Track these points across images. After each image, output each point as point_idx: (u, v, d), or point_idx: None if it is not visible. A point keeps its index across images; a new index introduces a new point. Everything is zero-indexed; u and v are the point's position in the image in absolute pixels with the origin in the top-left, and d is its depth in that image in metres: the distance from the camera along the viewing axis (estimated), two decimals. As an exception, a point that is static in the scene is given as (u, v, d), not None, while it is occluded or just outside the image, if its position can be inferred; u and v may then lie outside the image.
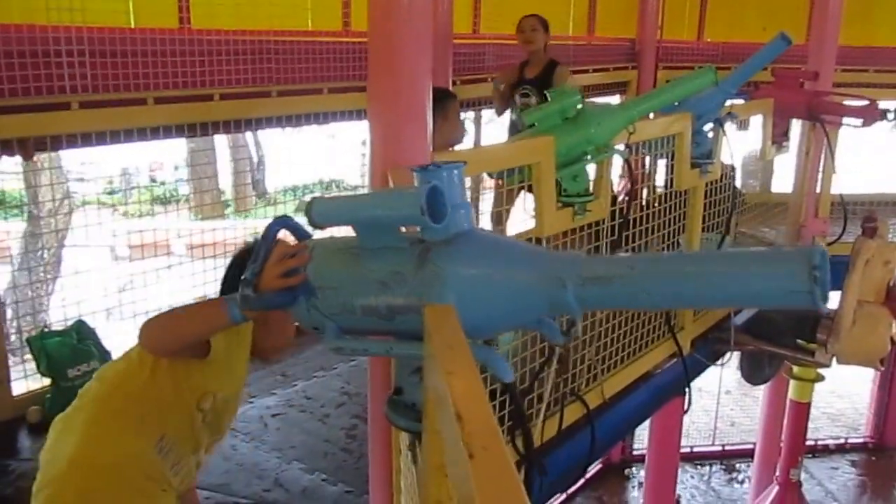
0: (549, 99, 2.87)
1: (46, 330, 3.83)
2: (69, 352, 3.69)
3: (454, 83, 5.29)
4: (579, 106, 2.87)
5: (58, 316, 4.08)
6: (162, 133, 4.09)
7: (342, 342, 1.66)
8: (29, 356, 3.80)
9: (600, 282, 1.30)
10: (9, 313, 4.02)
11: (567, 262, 1.34)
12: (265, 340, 2.27)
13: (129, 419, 2.01)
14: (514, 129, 5.28)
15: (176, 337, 1.94)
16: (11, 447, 3.51)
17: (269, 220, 1.79)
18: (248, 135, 10.21)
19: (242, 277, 1.71)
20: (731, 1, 7.44)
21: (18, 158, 3.76)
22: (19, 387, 3.82)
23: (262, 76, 4.48)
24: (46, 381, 3.75)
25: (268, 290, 1.68)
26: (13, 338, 4.17)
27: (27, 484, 3.06)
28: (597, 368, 3.35)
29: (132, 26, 4.10)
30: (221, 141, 10.58)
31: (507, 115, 5.52)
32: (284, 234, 1.82)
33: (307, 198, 1.74)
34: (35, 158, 3.92)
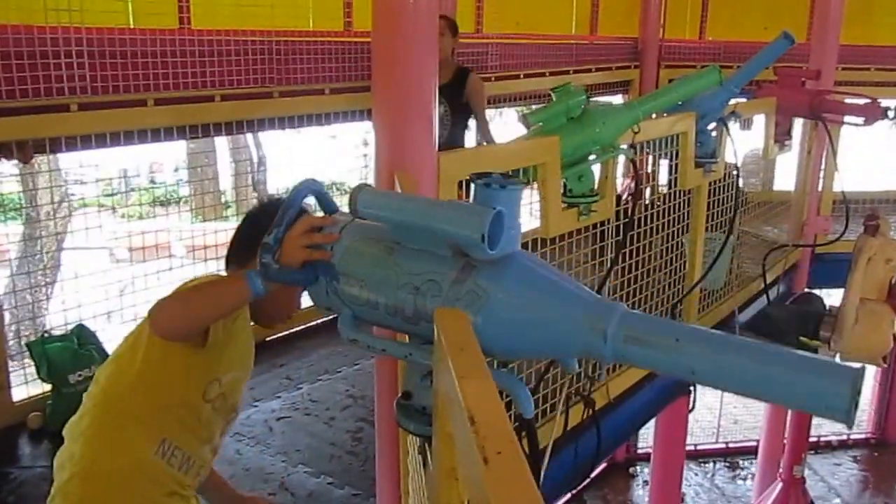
0: (554, 98, 2.85)
1: (47, 335, 3.79)
2: (70, 357, 3.66)
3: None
4: (584, 105, 2.85)
5: (58, 320, 4.06)
6: (162, 135, 4.07)
7: (359, 335, 1.60)
8: (29, 361, 3.77)
9: (642, 344, 1.28)
10: (8, 318, 3.97)
11: (611, 312, 1.32)
12: (269, 309, 2.14)
13: (127, 425, 1.95)
14: None
15: (197, 316, 1.82)
16: (12, 454, 3.47)
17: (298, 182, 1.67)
18: (249, 136, 10.18)
19: (263, 241, 1.60)
20: (732, 0, 7.44)
21: (17, 161, 3.73)
22: (19, 392, 3.79)
23: (262, 77, 4.46)
24: (47, 387, 3.71)
25: (289, 262, 1.59)
26: (12, 343, 4.14)
27: (29, 491, 3.06)
28: (602, 368, 3.33)
29: (131, 27, 4.07)
30: (222, 142, 10.57)
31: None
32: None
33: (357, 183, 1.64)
34: (33, 161, 3.89)
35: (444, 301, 1.42)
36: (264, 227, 1.64)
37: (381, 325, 1.60)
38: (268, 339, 4.65)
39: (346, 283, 1.57)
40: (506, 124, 10.16)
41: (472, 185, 1.43)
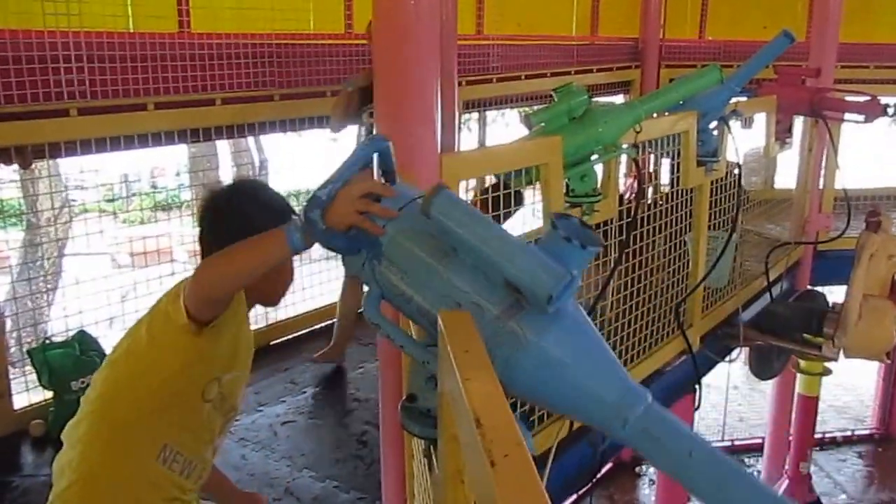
0: (556, 98, 2.85)
1: (48, 341, 3.77)
2: (72, 363, 3.65)
3: (459, 84, 5.25)
4: (586, 105, 2.84)
5: (59, 327, 4.04)
6: (163, 139, 4.07)
7: (382, 322, 1.52)
8: (30, 368, 3.75)
9: (656, 443, 1.28)
10: (9, 324, 3.95)
11: (637, 401, 1.31)
12: (269, 285, 2.02)
13: (126, 432, 1.90)
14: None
15: (237, 272, 1.68)
16: (14, 462, 3.45)
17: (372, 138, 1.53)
18: (251, 139, 10.18)
19: (313, 195, 1.46)
20: (729, 1, 7.45)
21: (16, 166, 3.71)
22: (21, 400, 3.77)
23: (263, 80, 4.46)
24: (49, 394, 3.70)
25: (335, 222, 1.46)
26: (14, 349, 4.13)
27: (32, 500, 3.04)
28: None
29: (131, 31, 4.07)
30: (223, 146, 10.57)
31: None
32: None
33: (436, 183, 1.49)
34: (33, 166, 3.88)
35: (480, 329, 1.35)
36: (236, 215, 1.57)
37: (406, 315, 1.54)
38: (272, 342, 4.65)
39: (386, 267, 1.48)
40: (508, 126, 10.16)
41: (550, 224, 1.38)
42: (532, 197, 2.79)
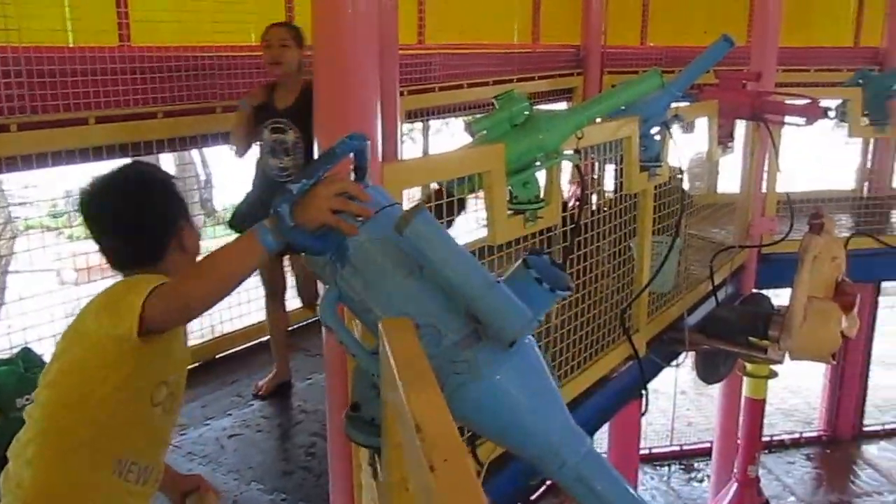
0: (497, 106, 2.87)
1: (-9, 359, 3.70)
2: (16, 381, 3.56)
3: (401, 93, 5.26)
4: (527, 112, 2.87)
5: (3, 344, 3.96)
6: (105, 153, 4.01)
7: (337, 326, 1.49)
8: (-28, 386, 3.67)
9: (588, 489, 1.32)
10: (-49, 343, 3.88)
11: (579, 446, 1.33)
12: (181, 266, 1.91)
13: (77, 451, 1.84)
14: (264, 176, 3.97)
15: (221, 285, 1.59)
16: (-44, 482, 3.37)
17: (346, 137, 1.46)
18: (196, 153, 10.06)
19: (284, 189, 1.41)
20: (673, 6, 7.56)
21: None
22: (-38, 418, 3.69)
23: (205, 92, 4.42)
24: (-7, 413, 3.62)
25: (306, 220, 1.40)
26: (-44, 368, 4.02)
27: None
28: (553, 374, 3.34)
29: (71, 45, 4.01)
30: (168, 159, 10.44)
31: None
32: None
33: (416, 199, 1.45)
34: (-26, 183, 3.82)
35: (436, 353, 1.35)
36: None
37: (362, 322, 1.52)
38: (218, 355, 4.60)
39: (350, 273, 1.45)
40: (452, 135, 10.19)
41: (522, 262, 1.36)
42: (475, 205, 2.80)
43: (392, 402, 1.26)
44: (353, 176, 1.54)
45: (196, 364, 4.31)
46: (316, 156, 1.49)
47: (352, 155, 1.52)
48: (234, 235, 3.84)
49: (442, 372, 1.31)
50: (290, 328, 4.34)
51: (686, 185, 5.08)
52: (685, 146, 4.49)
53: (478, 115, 2.94)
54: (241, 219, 3.99)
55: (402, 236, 1.34)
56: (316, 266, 1.52)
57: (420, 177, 2.65)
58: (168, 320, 1.72)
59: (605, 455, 6.03)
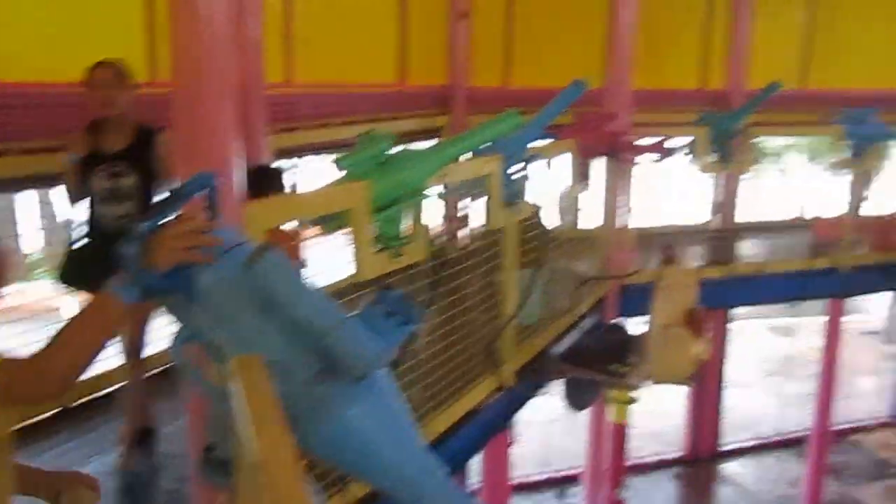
0: (360, 144, 2.91)
1: None
2: None
3: (269, 132, 5.22)
4: (389, 151, 2.92)
5: None
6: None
7: (187, 366, 1.47)
8: None
9: None
10: None
11: (433, 476, 1.36)
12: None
13: None
14: (97, 226, 3.67)
15: (78, 358, 1.46)
16: None
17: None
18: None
19: (131, 231, 1.36)
20: (534, 48, 7.81)
21: None
22: None
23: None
24: None
25: (162, 260, 1.35)
26: None
27: None
28: (421, 409, 3.37)
29: None
30: (31, 198, 9.99)
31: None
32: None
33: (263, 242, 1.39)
34: None
35: (288, 390, 1.34)
36: None
37: (214, 361, 1.50)
38: (77, 402, 4.41)
39: (201, 311, 1.42)
40: (322, 174, 10.17)
41: (374, 297, 1.39)
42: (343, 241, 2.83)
43: (243, 441, 1.26)
44: (205, 215, 1.54)
45: (57, 410, 4.13)
46: (164, 197, 1.46)
47: (203, 195, 1.52)
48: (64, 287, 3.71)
49: (295, 409, 1.32)
50: (155, 371, 4.20)
51: (556, 220, 5.28)
52: (546, 183, 4.65)
53: (343, 153, 2.96)
54: (73, 273, 3.77)
55: (253, 271, 1.34)
56: (167, 304, 1.50)
57: (283, 215, 2.65)
58: (19, 401, 1.59)
59: (478, 485, 6.10)
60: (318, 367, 1.38)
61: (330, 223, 2.90)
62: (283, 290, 1.35)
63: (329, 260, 4.50)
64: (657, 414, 10.15)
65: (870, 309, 13.07)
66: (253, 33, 4.30)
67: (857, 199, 7.00)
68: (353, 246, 2.82)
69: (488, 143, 3.75)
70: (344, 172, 2.95)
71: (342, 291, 2.62)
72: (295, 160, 6.37)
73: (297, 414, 1.32)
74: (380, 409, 1.39)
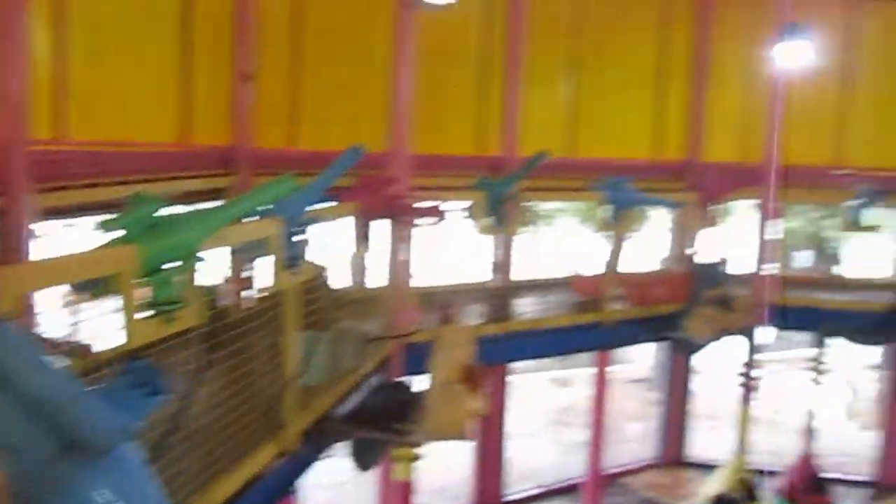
0: (129, 206, 2.84)
1: None
2: None
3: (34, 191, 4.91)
4: (161, 212, 2.87)
5: None
6: None
7: None
8: None
9: None
10: None
11: None
12: None
13: None
14: None
15: None
16: None
17: None
18: None
19: None
20: (320, 111, 7.89)
21: None
22: None
23: None
24: None
25: None
26: None
27: None
28: (202, 477, 3.28)
29: None
30: None
31: None
32: None
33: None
34: None
35: (21, 472, 1.30)
36: None
37: None
38: None
39: None
40: (91, 234, 9.67)
41: (121, 368, 1.34)
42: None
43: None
44: None
45: None
46: None
47: None
48: None
49: (36, 489, 1.27)
50: None
51: (346, 281, 5.35)
52: (330, 244, 4.72)
53: (111, 216, 2.87)
54: None
55: None
56: None
57: (43, 281, 2.52)
58: None
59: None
60: (58, 444, 1.33)
61: (96, 289, 2.80)
62: (14, 365, 1.31)
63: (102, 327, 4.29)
64: (443, 469, 10.33)
65: (636, 359, 14.00)
66: (15, 89, 4.10)
67: (615, 258, 7.61)
68: (121, 313, 2.74)
69: (267, 206, 3.78)
70: (111, 235, 2.87)
71: (108, 361, 2.54)
72: (69, 221, 6.04)
73: (39, 494, 1.26)
74: (126, 488, 1.36)
